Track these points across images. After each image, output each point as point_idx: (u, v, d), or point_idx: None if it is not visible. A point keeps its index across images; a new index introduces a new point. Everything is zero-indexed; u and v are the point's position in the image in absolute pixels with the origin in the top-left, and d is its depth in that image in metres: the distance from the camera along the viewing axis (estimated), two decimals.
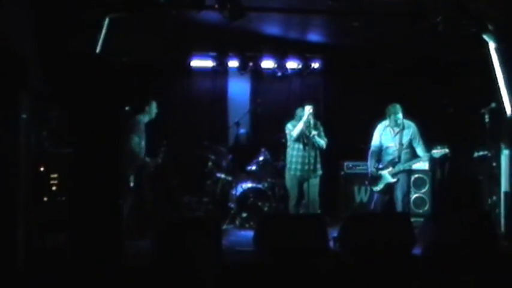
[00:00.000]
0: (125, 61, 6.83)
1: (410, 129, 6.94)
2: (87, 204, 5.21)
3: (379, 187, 7.01)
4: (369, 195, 8.33)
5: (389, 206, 7.02)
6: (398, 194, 6.92)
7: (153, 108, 7.32)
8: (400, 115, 6.89)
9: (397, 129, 6.93)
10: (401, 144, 6.90)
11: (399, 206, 6.93)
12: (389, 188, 6.97)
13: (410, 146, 6.95)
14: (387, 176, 6.92)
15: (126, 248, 5.66)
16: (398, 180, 6.89)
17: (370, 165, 7.06)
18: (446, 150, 6.73)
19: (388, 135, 6.99)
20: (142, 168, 7.10)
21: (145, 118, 7.22)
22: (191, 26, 7.09)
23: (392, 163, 6.90)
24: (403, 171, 6.90)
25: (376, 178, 7.00)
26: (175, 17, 6.30)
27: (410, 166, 7.02)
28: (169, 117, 8.74)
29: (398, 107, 6.91)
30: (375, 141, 7.08)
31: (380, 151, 7.05)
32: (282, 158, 7.84)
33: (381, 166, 7.00)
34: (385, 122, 7.06)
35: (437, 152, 6.74)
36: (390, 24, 7.06)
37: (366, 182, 7.58)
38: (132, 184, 6.87)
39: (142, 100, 7.26)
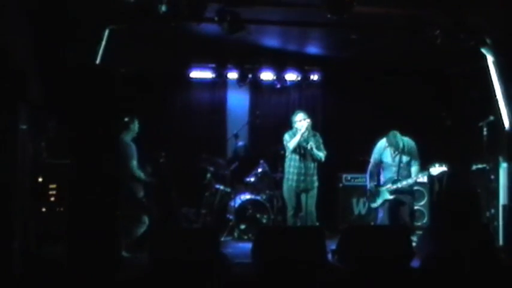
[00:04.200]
0: (124, 72, 6.83)
1: (411, 149, 6.89)
2: (86, 215, 5.21)
3: (376, 203, 6.99)
4: (367, 208, 8.31)
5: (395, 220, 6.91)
6: (405, 216, 6.83)
7: (136, 124, 6.90)
8: (400, 143, 6.83)
9: (397, 152, 6.89)
10: (401, 162, 6.86)
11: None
12: (392, 204, 6.88)
13: (410, 163, 6.89)
14: (386, 193, 6.89)
15: (125, 259, 5.65)
16: (401, 201, 6.82)
17: (369, 182, 7.06)
18: (445, 169, 6.65)
19: (388, 154, 6.95)
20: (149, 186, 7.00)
21: (128, 136, 6.77)
22: (190, 37, 7.11)
23: (392, 181, 6.87)
24: (404, 191, 6.82)
25: (374, 195, 6.99)
26: (174, 28, 6.32)
27: (410, 185, 6.89)
28: (168, 128, 8.76)
29: (398, 136, 6.84)
30: (374, 158, 7.05)
31: (379, 168, 7.04)
32: (280, 169, 7.83)
33: (380, 183, 7.00)
34: (385, 142, 6.95)
35: (436, 169, 6.65)
36: (388, 37, 7.08)
37: (365, 198, 7.53)
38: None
39: (128, 117, 6.85)
